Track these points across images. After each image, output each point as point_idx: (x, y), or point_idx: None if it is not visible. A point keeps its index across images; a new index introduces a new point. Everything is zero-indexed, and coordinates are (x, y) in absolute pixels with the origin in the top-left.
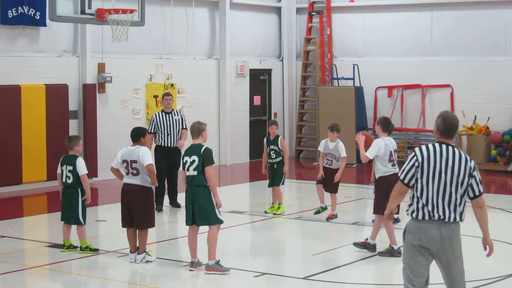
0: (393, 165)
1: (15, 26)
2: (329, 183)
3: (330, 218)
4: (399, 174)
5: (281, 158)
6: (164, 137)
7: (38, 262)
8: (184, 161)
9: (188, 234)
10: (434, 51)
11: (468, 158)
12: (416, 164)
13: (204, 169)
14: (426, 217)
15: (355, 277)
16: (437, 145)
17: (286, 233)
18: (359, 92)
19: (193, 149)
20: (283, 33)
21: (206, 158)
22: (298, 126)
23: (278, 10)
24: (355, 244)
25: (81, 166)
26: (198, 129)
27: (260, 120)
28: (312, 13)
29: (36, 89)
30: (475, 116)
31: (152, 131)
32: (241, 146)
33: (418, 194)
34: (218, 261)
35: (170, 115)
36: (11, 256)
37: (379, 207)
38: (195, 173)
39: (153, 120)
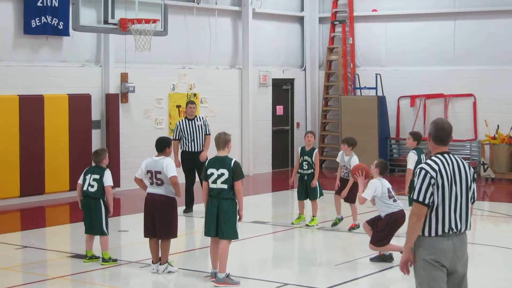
0: (395, 200)
1: (38, 36)
2: (346, 194)
3: (352, 228)
4: (413, 196)
5: (312, 170)
6: (188, 142)
7: (60, 272)
8: (209, 173)
9: (210, 245)
10: (457, 60)
11: (467, 163)
12: (432, 181)
13: (234, 183)
14: (440, 233)
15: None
16: (440, 156)
17: (308, 243)
18: (381, 101)
19: (221, 162)
20: (305, 42)
21: (236, 172)
22: (320, 136)
23: (300, 20)
24: (372, 260)
25: (109, 177)
26: (224, 140)
27: (282, 130)
28: (334, 23)
29: (59, 99)
30: (498, 126)
31: (176, 138)
32: (264, 156)
33: (435, 210)
34: (228, 274)
35: (193, 121)
36: (33, 267)
37: (381, 242)
38: (224, 186)
39: (177, 127)
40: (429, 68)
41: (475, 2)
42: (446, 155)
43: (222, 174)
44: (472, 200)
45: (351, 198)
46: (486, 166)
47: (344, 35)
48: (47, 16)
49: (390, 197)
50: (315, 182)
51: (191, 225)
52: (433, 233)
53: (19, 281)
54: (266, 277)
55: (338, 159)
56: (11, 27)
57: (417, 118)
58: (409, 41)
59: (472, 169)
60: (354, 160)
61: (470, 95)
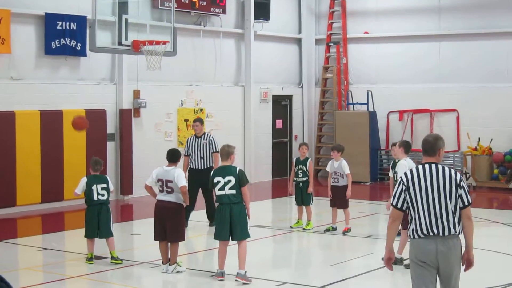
0: None
1: (58, 56)
2: (338, 200)
3: (345, 232)
4: (391, 201)
5: (307, 178)
6: (195, 160)
7: (78, 272)
8: (216, 181)
9: (219, 247)
10: (442, 78)
11: (453, 171)
12: (404, 188)
13: (241, 188)
14: (421, 235)
15: (369, 286)
16: (420, 166)
17: (305, 245)
18: (372, 116)
19: (226, 170)
20: (303, 62)
21: (242, 178)
22: (316, 147)
23: (298, 41)
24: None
25: (111, 183)
26: (227, 152)
27: (282, 142)
28: (329, 44)
29: (77, 114)
30: (479, 138)
31: (186, 154)
32: (265, 165)
33: (413, 214)
34: (246, 271)
35: (200, 139)
36: (53, 267)
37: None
38: (232, 192)
39: (186, 144)
40: (416, 85)
41: (458, 25)
42: (426, 165)
43: (229, 181)
44: (461, 205)
45: (342, 204)
46: (468, 175)
47: (338, 55)
48: (66, 38)
49: None
50: (311, 189)
51: (196, 230)
52: (415, 236)
53: (40, 280)
54: (267, 276)
55: (328, 169)
56: (33, 48)
57: (405, 131)
58: (398, 60)
59: (456, 176)
60: (344, 165)
61: (453, 110)
